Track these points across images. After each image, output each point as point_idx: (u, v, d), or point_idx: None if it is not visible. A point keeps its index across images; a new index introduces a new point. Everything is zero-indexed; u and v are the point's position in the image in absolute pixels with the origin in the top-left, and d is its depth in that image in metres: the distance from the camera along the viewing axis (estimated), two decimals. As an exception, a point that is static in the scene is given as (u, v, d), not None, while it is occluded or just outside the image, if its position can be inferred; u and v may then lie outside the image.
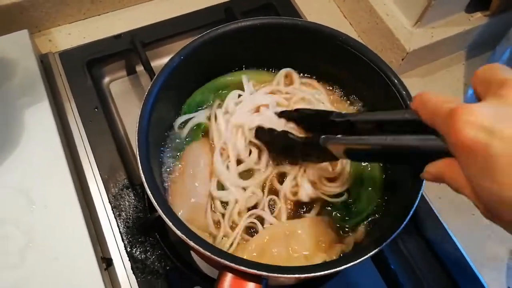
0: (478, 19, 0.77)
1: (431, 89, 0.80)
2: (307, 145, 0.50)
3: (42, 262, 0.54)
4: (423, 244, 0.64)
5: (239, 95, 0.60)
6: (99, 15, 0.81)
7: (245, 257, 0.47)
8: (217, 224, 0.53)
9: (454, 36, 0.77)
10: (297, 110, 0.57)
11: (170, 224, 0.43)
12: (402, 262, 0.63)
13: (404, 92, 0.53)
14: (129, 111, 0.74)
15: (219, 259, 0.41)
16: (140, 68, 0.77)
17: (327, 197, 0.54)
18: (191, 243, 0.42)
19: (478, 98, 0.33)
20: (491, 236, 0.67)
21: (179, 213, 0.51)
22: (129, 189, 0.63)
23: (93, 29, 0.79)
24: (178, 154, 0.58)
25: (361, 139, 0.42)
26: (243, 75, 0.62)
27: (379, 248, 0.43)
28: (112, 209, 0.61)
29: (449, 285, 0.62)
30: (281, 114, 0.57)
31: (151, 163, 0.49)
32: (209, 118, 0.60)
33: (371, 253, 0.43)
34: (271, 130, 0.54)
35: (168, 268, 0.58)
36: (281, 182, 0.56)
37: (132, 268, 0.57)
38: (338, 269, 0.42)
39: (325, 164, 0.56)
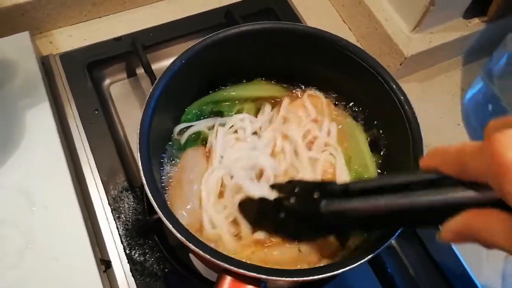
0: (476, 25, 0.78)
1: (429, 94, 0.81)
2: (302, 214, 0.44)
3: (41, 263, 0.54)
4: (419, 248, 0.64)
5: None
6: (100, 17, 0.82)
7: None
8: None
9: (452, 41, 0.77)
10: (290, 182, 0.51)
11: (170, 226, 0.43)
12: (398, 266, 0.63)
13: (402, 97, 0.53)
14: (129, 113, 0.74)
15: (218, 261, 0.41)
16: (140, 71, 0.77)
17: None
18: (191, 246, 0.42)
19: None
20: (487, 240, 0.68)
21: (178, 216, 0.52)
22: (129, 192, 0.63)
23: (94, 31, 0.80)
24: (177, 159, 0.58)
25: (370, 202, 0.36)
26: (244, 114, 0.61)
27: (376, 252, 0.44)
28: (111, 211, 0.61)
29: (445, 288, 0.62)
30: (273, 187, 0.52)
31: (152, 165, 0.49)
32: (209, 129, 0.60)
33: (368, 257, 0.43)
34: (263, 200, 0.49)
35: (166, 270, 0.58)
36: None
37: (131, 270, 0.57)
38: (335, 272, 0.43)
39: None
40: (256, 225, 0.51)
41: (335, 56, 0.58)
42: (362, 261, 0.43)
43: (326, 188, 0.42)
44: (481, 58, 0.84)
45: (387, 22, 0.78)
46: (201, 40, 0.56)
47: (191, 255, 0.62)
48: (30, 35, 0.71)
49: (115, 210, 0.61)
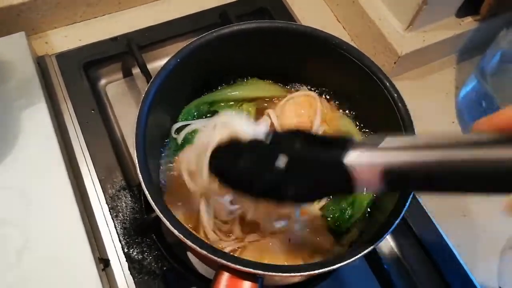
0: (469, 23, 0.79)
1: (423, 92, 0.82)
2: (317, 164, 0.33)
3: (39, 263, 0.54)
4: (415, 245, 0.65)
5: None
6: (95, 17, 0.82)
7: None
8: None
9: (445, 40, 0.78)
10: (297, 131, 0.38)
11: (167, 223, 0.43)
12: (395, 262, 0.64)
13: (395, 95, 0.54)
14: (125, 113, 0.74)
15: (215, 258, 0.42)
16: (136, 71, 0.77)
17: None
18: (188, 242, 0.42)
19: None
20: (482, 237, 0.68)
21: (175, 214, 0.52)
22: (126, 190, 0.63)
23: (89, 31, 0.80)
24: (174, 157, 0.59)
25: (418, 155, 0.27)
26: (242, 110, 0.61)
27: (372, 247, 0.44)
28: (109, 210, 0.61)
29: (441, 285, 0.62)
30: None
31: (148, 164, 0.49)
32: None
33: (364, 252, 0.44)
34: (255, 142, 0.38)
35: (165, 268, 0.58)
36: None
37: (129, 269, 0.58)
38: (332, 267, 0.43)
39: None
40: (232, 186, 0.40)
41: (329, 55, 0.58)
42: (358, 256, 0.44)
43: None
44: (474, 56, 0.85)
45: (380, 21, 0.79)
46: (196, 39, 0.56)
47: (188, 253, 0.62)
48: (25, 35, 0.71)
49: (113, 209, 0.62)
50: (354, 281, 0.63)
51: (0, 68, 0.67)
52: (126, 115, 0.74)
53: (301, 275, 0.42)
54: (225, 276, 0.42)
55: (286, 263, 0.51)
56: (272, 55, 0.62)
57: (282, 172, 0.34)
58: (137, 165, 0.47)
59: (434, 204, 0.68)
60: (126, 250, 0.59)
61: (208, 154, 0.43)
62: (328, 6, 0.91)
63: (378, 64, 0.56)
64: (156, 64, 0.78)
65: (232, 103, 0.63)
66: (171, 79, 0.54)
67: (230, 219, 0.53)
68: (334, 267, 0.43)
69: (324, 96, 0.65)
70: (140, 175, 0.46)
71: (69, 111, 0.69)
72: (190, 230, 0.45)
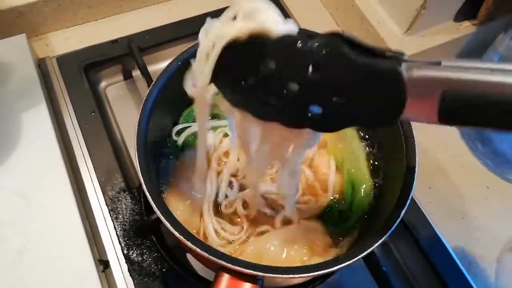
0: (467, 27, 0.80)
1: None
2: (363, 75, 0.25)
3: (39, 264, 0.54)
4: (414, 247, 0.65)
5: None
6: (96, 20, 0.82)
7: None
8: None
9: (443, 44, 0.79)
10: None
11: (167, 224, 0.44)
12: (393, 264, 0.64)
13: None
14: (125, 115, 0.74)
15: (215, 259, 0.42)
16: (136, 73, 0.78)
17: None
18: (189, 244, 0.43)
19: None
20: (480, 239, 0.69)
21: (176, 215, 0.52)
22: (126, 192, 0.63)
23: (90, 33, 0.80)
24: (175, 159, 0.59)
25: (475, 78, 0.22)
26: None
27: (370, 249, 0.44)
28: (109, 212, 0.61)
29: (439, 287, 0.63)
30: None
31: (149, 166, 0.50)
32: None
33: (362, 254, 0.44)
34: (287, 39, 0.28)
35: (164, 270, 0.59)
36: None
37: (129, 270, 0.58)
38: (331, 269, 0.43)
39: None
40: (243, 103, 0.31)
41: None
42: (357, 258, 0.44)
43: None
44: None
45: (379, 25, 0.79)
46: (197, 42, 0.56)
47: (188, 255, 0.62)
48: (26, 37, 0.71)
49: (113, 211, 0.62)
50: (353, 283, 0.63)
51: (1, 70, 0.68)
52: (126, 117, 0.74)
53: (300, 277, 0.43)
54: (225, 278, 0.43)
55: (284, 265, 0.51)
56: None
57: (314, 83, 0.26)
58: (138, 167, 0.47)
59: (432, 206, 0.69)
60: (126, 251, 0.59)
61: (216, 51, 0.32)
62: (327, 10, 0.91)
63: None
64: (157, 66, 0.78)
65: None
66: (173, 81, 0.54)
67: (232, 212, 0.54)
68: (334, 269, 0.43)
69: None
70: (141, 177, 0.46)
71: (69, 113, 0.69)
72: (191, 231, 0.45)
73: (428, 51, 0.78)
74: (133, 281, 0.57)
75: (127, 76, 0.79)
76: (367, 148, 0.61)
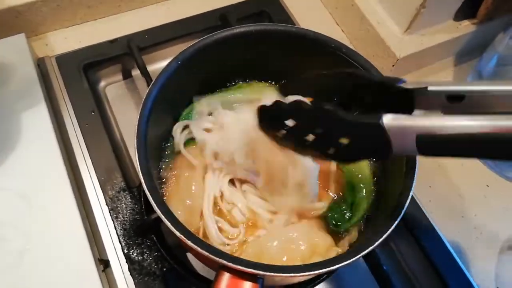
0: (466, 27, 0.80)
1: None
2: (355, 128, 0.35)
3: (40, 264, 0.54)
4: (414, 246, 0.65)
5: None
6: (95, 19, 0.82)
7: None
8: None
9: (443, 43, 0.79)
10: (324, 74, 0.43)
11: (168, 223, 0.44)
12: (394, 263, 0.64)
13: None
14: (125, 115, 0.74)
15: (216, 258, 0.42)
16: (136, 73, 0.78)
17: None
18: (189, 243, 0.43)
19: None
20: (480, 238, 0.69)
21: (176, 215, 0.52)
22: (126, 192, 0.63)
23: (89, 33, 0.80)
24: (174, 158, 0.59)
25: (453, 119, 0.29)
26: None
27: (370, 248, 0.44)
28: (109, 211, 0.61)
29: (439, 285, 0.63)
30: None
31: (149, 165, 0.50)
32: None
33: (363, 253, 0.44)
34: (297, 104, 0.40)
35: (165, 269, 0.59)
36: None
37: (129, 270, 0.58)
38: (332, 268, 0.43)
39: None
40: (280, 140, 0.43)
41: (328, 57, 0.59)
42: (358, 256, 0.44)
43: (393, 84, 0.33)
44: (472, 59, 0.86)
45: (379, 25, 0.79)
46: (197, 41, 0.57)
47: (188, 254, 0.62)
48: (25, 37, 0.71)
49: (113, 210, 0.62)
50: (353, 282, 0.63)
51: (0, 70, 0.68)
52: (125, 117, 0.74)
53: (301, 276, 0.43)
54: (226, 277, 0.43)
55: (284, 264, 0.51)
56: (272, 58, 0.63)
57: (323, 134, 0.38)
58: (138, 166, 0.47)
59: (432, 205, 0.69)
60: (126, 251, 0.59)
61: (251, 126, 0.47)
62: (327, 9, 0.91)
63: (377, 67, 0.56)
64: (156, 66, 0.78)
65: (234, 105, 0.63)
66: (172, 81, 0.54)
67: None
68: (334, 267, 0.43)
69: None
70: (141, 176, 0.46)
71: (69, 112, 0.69)
72: (191, 230, 0.45)
73: (427, 50, 0.78)
74: (134, 280, 0.57)
75: (127, 75, 0.79)
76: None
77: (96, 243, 0.60)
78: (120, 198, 0.63)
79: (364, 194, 0.57)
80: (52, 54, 0.75)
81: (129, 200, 0.63)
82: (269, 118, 0.44)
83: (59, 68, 0.73)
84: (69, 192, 0.59)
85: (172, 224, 0.43)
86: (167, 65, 0.54)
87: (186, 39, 0.79)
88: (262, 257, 0.51)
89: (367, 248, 0.44)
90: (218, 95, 0.64)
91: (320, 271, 0.43)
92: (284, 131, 0.43)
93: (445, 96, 0.32)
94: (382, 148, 0.33)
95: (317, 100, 0.40)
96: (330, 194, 0.57)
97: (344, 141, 0.37)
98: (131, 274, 0.57)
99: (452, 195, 0.72)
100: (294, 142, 0.44)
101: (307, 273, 0.43)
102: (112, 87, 0.78)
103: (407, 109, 0.34)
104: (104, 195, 0.62)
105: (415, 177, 0.48)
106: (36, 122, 0.64)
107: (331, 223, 0.56)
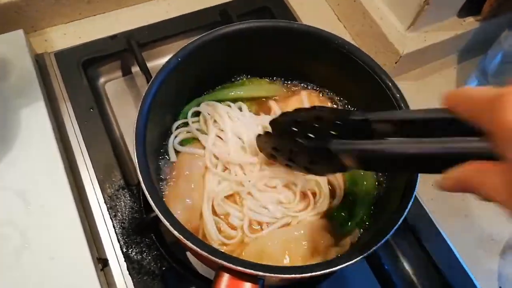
0: (470, 23, 0.79)
1: (424, 92, 0.82)
2: (315, 151, 0.43)
3: (38, 263, 0.54)
4: (416, 245, 0.64)
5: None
6: (95, 15, 0.81)
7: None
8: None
9: (446, 40, 0.78)
10: (298, 110, 0.49)
11: (166, 223, 0.43)
12: (395, 263, 0.64)
13: (398, 95, 0.53)
14: (124, 112, 0.74)
15: (215, 259, 0.41)
16: (135, 69, 0.77)
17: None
18: (188, 243, 0.42)
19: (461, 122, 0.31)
20: (483, 237, 0.68)
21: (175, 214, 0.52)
22: (125, 190, 0.63)
23: (89, 29, 0.79)
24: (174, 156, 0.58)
25: (381, 143, 0.37)
26: (242, 104, 0.62)
27: (373, 249, 0.44)
28: (107, 210, 0.61)
29: (442, 285, 0.62)
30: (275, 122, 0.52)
31: (148, 163, 0.49)
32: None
33: (365, 254, 0.44)
34: (276, 135, 0.50)
35: (164, 268, 0.58)
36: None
37: (128, 269, 0.57)
38: (333, 269, 0.43)
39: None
40: (271, 158, 0.53)
41: (331, 54, 0.58)
42: (359, 257, 0.43)
43: (339, 121, 0.41)
44: (476, 56, 0.85)
45: (382, 21, 0.78)
46: (197, 38, 0.56)
47: (188, 253, 0.62)
48: (24, 33, 0.70)
49: (112, 209, 0.61)
50: (355, 281, 0.63)
51: (-2, 66, 0.67)
52: (125, 114, 0.73)
53: (302, 277, 0.42)
54: (226, 277, 0.42)
55: (285, 264, 0.51)
56: (274, 54, 0.62)
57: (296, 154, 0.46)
58: (136, 164, 0.46)
59: (435, 204, 0.68)
60: (125, 250, 0.58)
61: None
62: (329, 5, 0.90)
63: (379, 64, 0.56)
64: (156, 62, 0.77)
65: (234, 102, 0.63)
66: (172, 78, 0.53)
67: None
68: (335, 268, 0.43)
69: (325, 94, 0.65)
70: (139, 174, 0.45)
71: (67, 109, 0.68)
72: (190, 230, 0.44)
73: (431, 47, 0.77)
74: (133, 279, 0.57)
75: (126, 72, 0.78)
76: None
77: (94, 242, 0.59)
78: (119, 196, 0.62)
79: (366, 192, 0.56)
80: (51, 50, 0.75)
81: (128, 198, 0.62)
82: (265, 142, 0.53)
83: (58, 64, 0.72)
84: (67, 190, 0.58)
85: (170, 224, 0.43)
86: (167, 62, 0.53)
87: (186, 35, 0.78)
88: (263, 256, 0.51)
89: (370, 249, 0.44)
90: (218, 92, 0.63)
91: (321, 272, 0.42)
92: (272, 151, 0.52)
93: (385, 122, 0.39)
94: (337, 165, 0.40)
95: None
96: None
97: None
98: (130, 273, 0.57)
99: (455, 194, 0.71)
100: (281, 161, 0.52)
101: (307, 275, 0.42)
102: (112, 84, 0.77)
103: (366, 135, 0.40)
104: (102, 193, 0.62)
105: (418, 178, 0.48)
106: (35, 119, 0.63)
107: (333, 222, 0.55)
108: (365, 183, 0.57)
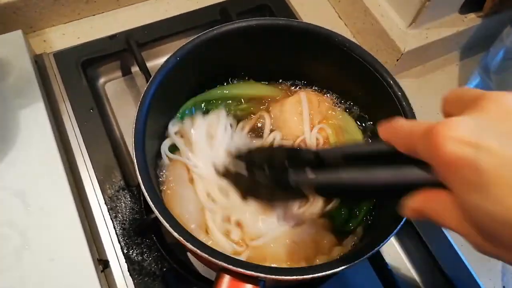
0: (472, 20, 0.78)
1: (426, 89, 0.81)
2: (276, 185, 0.44)
3: (38, 264, 0.53)
4: (419, 245, 0.64)
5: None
6: (94, 15, 0.81)
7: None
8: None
9: (448, 37, 0.77)
10: (259, 149, 0.52)
11: (166, 225, 0.43)
12: (398, 263, 0.64)
13: (399, 93, 0.53)
14: (124, 112, 0.73)
15: (216, 260, 0.41)
16: (135, 69, 0.77)
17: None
18: (188, 245, 0.42)
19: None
20: (485, 235, 0.68)
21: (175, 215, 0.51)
22: (125, 191, 0.62)
23: (88, 29, 0.79)
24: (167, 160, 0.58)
25: (333, 177, 0.38)
26: (222, 111, 0.61)
27: (376, 249, 0.43)
28: (108, 211, 0.60)
29: (445, 286, 0.62)
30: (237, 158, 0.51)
31: (147, 163, 0.49)
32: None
33: (368, 255, 0.43)
34: (237, 173, 0.49)
35: (164, 269, 0.58)
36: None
37: (128, 270, 0.57)
38: (335, 270, 0.42)
39: None
40: (237, 188, 0.51)
41: (331, 52, 0.57)
42: (362, 258, 0.43)
43: (296, 156, 0.43)
44: (478, 53, 0.84)
45: (383, 18, 0.78)
46: (195, 37, 0.55)
47: (189, 254, 0.62)
48: (23, 33, 0.70)
49: (112, 210, 0.61)
50: (357, 282, 0.63)
51: (-3, 66, 0.67)
52: (125, 114, 0.73)
53: (304, 278, 0.42)
54: (226, 279, 0.42)
55: (288, 264, 0.50)
56: (274, 52, 0.61)
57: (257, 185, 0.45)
58: (135, 165, 0.46)
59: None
60: (125, 251, 0.58)
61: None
62: (329, 3, 0.89)
63: (381, 61, 0.55)
64: (155, 62, 0.77)
65: (229, 101, 0.62)
66: (171, 77, 0.53)
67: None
68: (337, 269, 0.42)
69: (325, 94, 0.64)
70: (139, 175, 0.45)
71: (67, 110, 0.68)
72: (191, 231, 0.44)
73: (432, 44, 0.76)
74: (133, 281, 0.56)
75: (126, 72, 0.78)
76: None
77: (95, 243, 0.59)
78: (119, 197, 0.62)
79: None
80: (50, 51, 0.74)
81: (129, 199, 0.62)
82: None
83: (57, 65, 0.72)
84: (67, 191, 0.58)
85: (170, 225, 0.42)
86: (165, 61, 0.53)
87: (186, 34, 0.78)
88: (265, 256, 0.51)
89: (372, 249, 0.43)
90: (216, 92, 0.63)
91: (324, 273, 0.42)
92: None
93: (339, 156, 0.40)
94: (301, 194, 0.41)
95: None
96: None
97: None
98: (130, 275, 0.57)
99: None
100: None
101: (309, 276, 0.42)
102: (111, 84, 0.77)
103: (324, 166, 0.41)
104: (103, 194, 0.62)
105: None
106: (34, 119, 0.63)
107: (336, 222, 0.55)
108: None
